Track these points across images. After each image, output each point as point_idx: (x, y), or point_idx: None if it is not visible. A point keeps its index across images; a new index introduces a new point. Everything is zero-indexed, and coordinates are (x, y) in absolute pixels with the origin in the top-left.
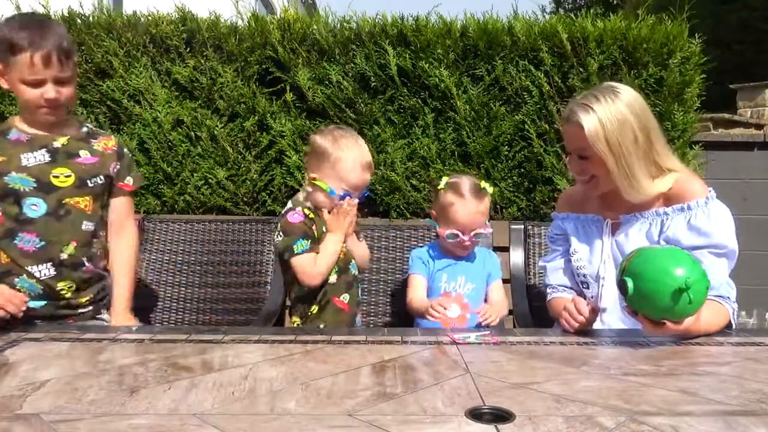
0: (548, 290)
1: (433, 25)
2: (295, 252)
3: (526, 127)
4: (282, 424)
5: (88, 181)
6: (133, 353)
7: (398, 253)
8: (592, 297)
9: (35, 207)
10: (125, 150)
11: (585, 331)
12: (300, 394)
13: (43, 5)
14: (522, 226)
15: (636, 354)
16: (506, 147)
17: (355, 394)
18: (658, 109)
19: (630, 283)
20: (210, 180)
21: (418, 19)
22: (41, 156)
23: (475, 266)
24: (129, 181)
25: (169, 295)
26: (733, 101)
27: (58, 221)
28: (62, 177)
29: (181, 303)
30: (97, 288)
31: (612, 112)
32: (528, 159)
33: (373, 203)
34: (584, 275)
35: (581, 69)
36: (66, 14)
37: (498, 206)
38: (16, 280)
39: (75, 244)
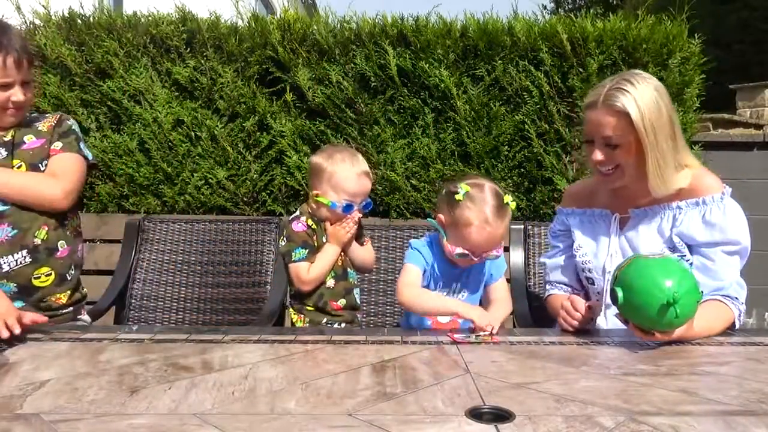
0: (547, 287)
1: (433, 25)
2: (293, 259)
3: (526, 127)
4: (282, 424)
5: (39, 165)
6: (133, 353)
7: (398, 253)
8: (598, 293)
9: (1, 201)
10: (67, 122)
11: (584, 329)
12: (300, 394)
13: (43, 5)
14: (522, 226)
15: (636, 354)
16: (506, 147)
17: (355, 394)
18: None
19: (620, 293)
20: (210, 180)
21: (418, 20)
22: None
23: (474, 274)
24: (57, 146)
25: (169, 295)
26: (733, 101)
27: (27, 209)
28: (17, 169)
29: (181, 303)
30: (75, 280)
31: (649, 96)
32: (528, 159)
33: (373, 203)
34: (590, 270)
35: (581, 69)
36: (66, 14)
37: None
38: None
39: (47, 229)
